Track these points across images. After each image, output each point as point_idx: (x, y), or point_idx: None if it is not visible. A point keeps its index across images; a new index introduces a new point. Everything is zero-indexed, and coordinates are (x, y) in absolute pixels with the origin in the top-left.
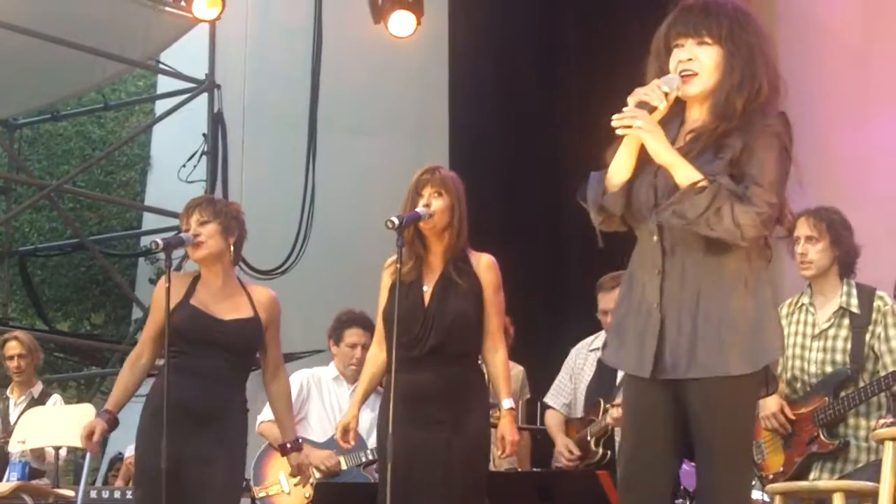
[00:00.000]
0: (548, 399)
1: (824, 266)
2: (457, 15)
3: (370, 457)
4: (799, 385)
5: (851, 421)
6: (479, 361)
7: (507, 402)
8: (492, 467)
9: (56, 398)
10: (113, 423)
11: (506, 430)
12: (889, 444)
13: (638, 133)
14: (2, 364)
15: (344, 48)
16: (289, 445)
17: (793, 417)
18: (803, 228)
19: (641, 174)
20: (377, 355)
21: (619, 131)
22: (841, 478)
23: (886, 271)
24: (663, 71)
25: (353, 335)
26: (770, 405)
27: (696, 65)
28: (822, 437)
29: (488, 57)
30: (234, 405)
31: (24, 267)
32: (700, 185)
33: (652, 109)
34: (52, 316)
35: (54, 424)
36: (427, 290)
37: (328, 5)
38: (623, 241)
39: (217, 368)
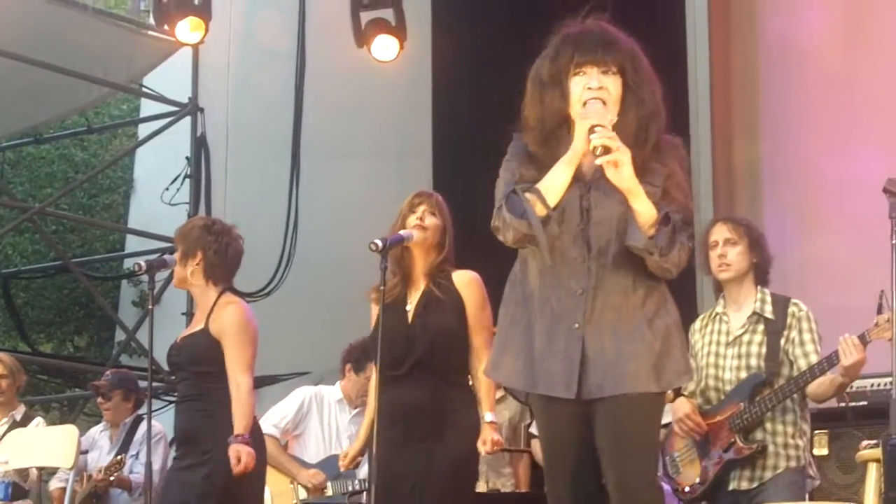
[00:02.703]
0: (533, 429)
1: (743, 269)
2: (440, 39)
3: (357, 487)
4: (713, 394)
5: (769, 426)
6: (469, 381)
7: (487, 416)
8: (490, 488)
9: (38, 420)
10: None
11: (485, 434)
12: (872, 466)
13: (617, 157)
14: None
15: (327, 72)
16: (231, 438)
17: (704, 425)
18: (721, 232)
19: (566, 196)
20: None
21: (600, 158)
22: (760, 485)
23: (867, 296)
24: (565, 96)
25: (373, 370)
26: (682, 408)
27: (604, 93)
28: (738, 442)
29: (472, 80)
30: (198, 424)
31: (7, 289)
32: (663, 217)
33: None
34: (35, 338)
35: (37, 445)
36: (410, 308)
37: (311, 29)
38: None
39: (184, 389)
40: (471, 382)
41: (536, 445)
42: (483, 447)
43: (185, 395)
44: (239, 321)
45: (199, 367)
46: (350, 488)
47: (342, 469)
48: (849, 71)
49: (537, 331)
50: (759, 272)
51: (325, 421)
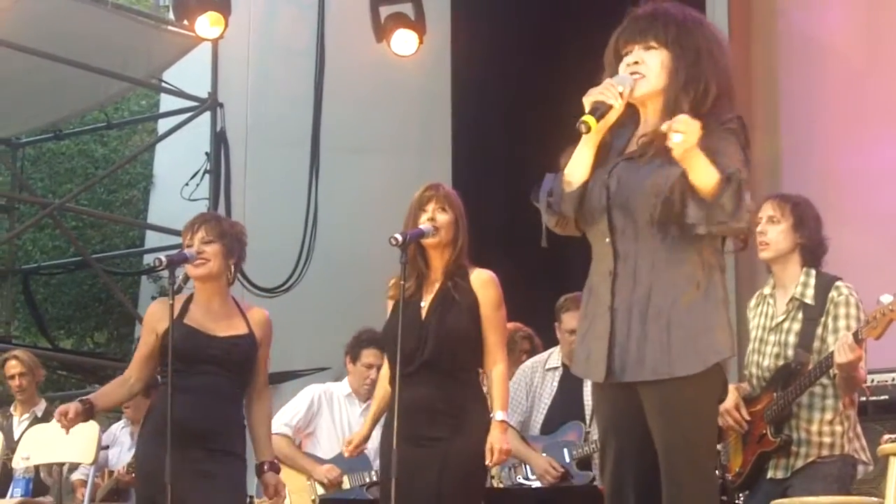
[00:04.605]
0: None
1: (783, 249)
2: (459, 33)
3: (374, 478)
4: (755, 381)
5: (803, 414)
6: (479, 378)
7: (498, 415)
8: (497, 484)
9: None
10: (88, 413)
11: (494, 438)
12: (893, 460)
13: (690, 137)
14: (3, 382)
15: (346, 66)
16: (265, 466)
17: (748, 417)
18: (766, 210)
19: (594, 176)
20: (386, 374)
21: (676, 148)
22: (792, 474)
23: (888, 290)
24: None
25: (369, 355)
26: (725, 401)
27: (643, 67)
28: (768, 434)
29: (491, 74)
30: (232, 422)
31: (27, 285)
32: (725, 178)
33: (608, 108)
34: (55, 334)
35: (59, 441)
36: (425, 305)
37: (331, 24)
38: None
39: (213, 385)
40: (484, 383)
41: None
42: (489, 457)
43: (211, 393)
44: (271, 332)
45: (243, 369)
46: (367, 480)
47: (346, 455)
48: (869, 67)
49: (588, 315)
50: (806, 253)
51: (336, 417)
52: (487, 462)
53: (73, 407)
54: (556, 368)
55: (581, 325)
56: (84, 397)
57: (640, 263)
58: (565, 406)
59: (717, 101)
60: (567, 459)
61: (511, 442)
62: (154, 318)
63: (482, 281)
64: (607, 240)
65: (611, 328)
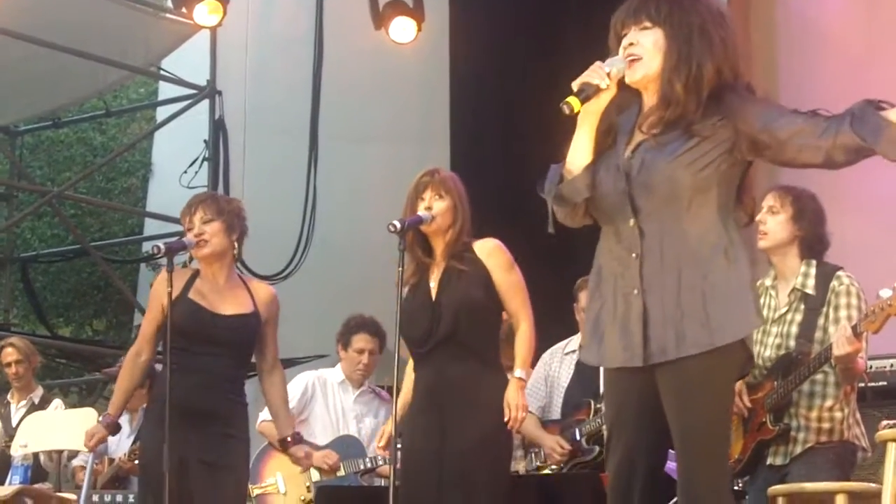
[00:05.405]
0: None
1: (781, 240)
2: (458, 20)
3: (368, 465)
4: (756, 371)
5: (803, 401)
6: (499, 357)
7: (517, 372)
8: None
9: (57, 403)
10: (114, 428)
11: (510, 395)
12: (891, 446)
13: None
14: (1, 370)
15: (345, 54)
16: (289, 439)
17: (749, 404)
18: (767, 200)
19: (603, 161)
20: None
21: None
22: (791, 460)
23: (888, 277)
24: None
25: (360, 340)
26: None
27: (638, 49)
28: (768, 422)
29: (490, 62)
30: (236, 402)
31: (26, 273)
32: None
33: (595, 90)
34: (54, 322)
35: (57, 428)
36: (434, 286)
37: (329, 11)
38: None
39: (218, 365)
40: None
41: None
42: (507, 412)
43: (215, 373)
44: (278, 309)
45: (246, 350)
46: (362, 466)
47: (380, 452)
48: (869, 54)
49: (605, 303)
50: (805, 246)
51: (329, 403)
52: (505, 418)
53: (97, 434)
54: (573, 352)
55: (590, 309)
56: (105, 413)
57: (665, 242)
58: (582, 388)
59: (719, 76)
60: (578, 437)
61: (526, 426)
62: (161, 290)
63: (488, 249)
64: (632, 222)
65: (644, 311)
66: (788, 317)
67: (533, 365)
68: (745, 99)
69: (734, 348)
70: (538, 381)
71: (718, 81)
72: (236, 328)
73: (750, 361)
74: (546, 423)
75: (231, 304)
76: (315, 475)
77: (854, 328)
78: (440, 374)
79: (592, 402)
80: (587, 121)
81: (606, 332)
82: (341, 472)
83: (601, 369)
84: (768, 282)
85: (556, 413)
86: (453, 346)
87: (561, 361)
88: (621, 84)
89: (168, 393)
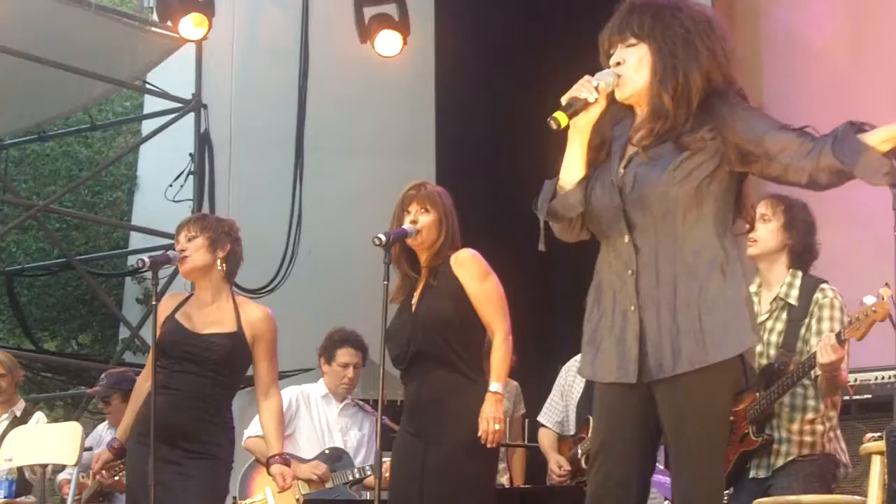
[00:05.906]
0: (541, 418)
1: (770, 248)
2: (443, 33)
3: (356, 475)
4: None
5: (785, 413)
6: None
7: (492, 386)
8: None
9: (39, 416)
10: (121, 452)
11: (485, 411)
12: (876, 458)
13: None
14: None
15: (331, 67)
16: (271, 460)
17: (731, 417)
18: (760, 208)
19: (598, 176)
20: None
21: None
22: (774, 472)
23: (872, 289)
24: None
25: (345, 354)
26: None
27: (623, 67)
28: (750, 434)
29: (475, 74)
30: (209, 421)
31: (11, 287)
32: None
33: (583, 104)
34: (39, 336)
35: (42, 442)
36: (414, 301)
37: (315, 25)
38: None
39: (194, 383)
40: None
41: (542, 435)
42: (482, 427)
43: (188, 392)
44: (275, 331)
45: (224, 369)
46: (350, 477)
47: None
48: (854, 69)
49: (604, 317)
50: (794, 255)
51: (314, 417)
52: (480, 433)
53: (102, 458)
54: None
55: (588, 323)
56: (112, 438)
57: (661, 257)
58: (589, 402)
59: (708, 84)
60: (578, 455)
61: (541, 442)
62: (161, 314)
63: (460, 261)
64: (626, 238)
65: (640, 328)
66: (768, 324)
67: (517, 374)
68: (736, 107)
69: (730, 364)
70: (555, 397)
71: (708, 89)
72: (211, 347)
73: (752, 374)
74: (563, 439)
75: (212, 324)
76: (304, 488)
77: (838, 336)
78: (418, 391)
79: (591, 419)
80: (578, 135)
81: (602, 346)
82: (330, 484)
83: None
84: (753, 288)
85: (571, 427)
86: (428, 361)
87: (575, 375)
88: (612, 97)
89: (153, 411)
